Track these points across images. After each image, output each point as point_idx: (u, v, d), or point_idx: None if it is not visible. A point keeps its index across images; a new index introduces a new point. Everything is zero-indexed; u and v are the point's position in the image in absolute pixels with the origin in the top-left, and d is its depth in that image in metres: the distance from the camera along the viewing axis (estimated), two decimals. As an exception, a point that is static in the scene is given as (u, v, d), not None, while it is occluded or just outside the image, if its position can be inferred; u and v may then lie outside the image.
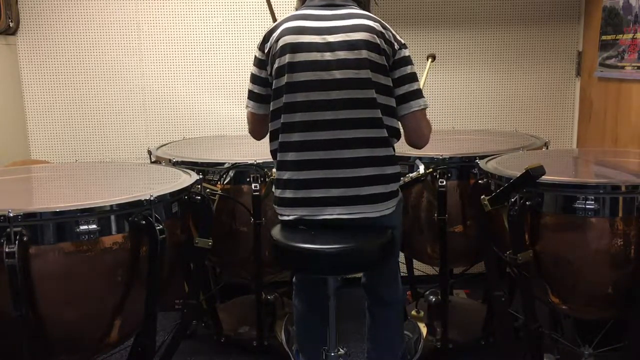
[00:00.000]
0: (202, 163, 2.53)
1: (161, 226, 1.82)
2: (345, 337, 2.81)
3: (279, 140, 1.99)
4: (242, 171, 2.49)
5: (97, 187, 2.25)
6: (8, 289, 1.61)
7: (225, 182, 2.50)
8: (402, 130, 2.04)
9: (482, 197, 2.04)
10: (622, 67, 2.84)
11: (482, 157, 2.35)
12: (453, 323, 2.69)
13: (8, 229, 1.62)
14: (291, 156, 1.97)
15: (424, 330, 2.75)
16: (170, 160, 2.53)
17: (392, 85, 1.96)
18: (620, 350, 2.03)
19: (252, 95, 2.07)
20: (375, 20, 1.95)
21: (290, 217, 2.00)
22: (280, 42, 1.93)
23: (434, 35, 3.33)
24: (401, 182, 2.14)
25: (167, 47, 3.26)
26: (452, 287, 3.09)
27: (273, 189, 2.08)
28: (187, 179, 2.13)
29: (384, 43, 1.92)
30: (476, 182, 2.20)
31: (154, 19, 3.24)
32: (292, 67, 1.92)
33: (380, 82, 1.93)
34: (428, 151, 2.29)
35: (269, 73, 2.00)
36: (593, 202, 1.84)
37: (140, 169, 2.50)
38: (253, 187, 2.44)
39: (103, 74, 3.26)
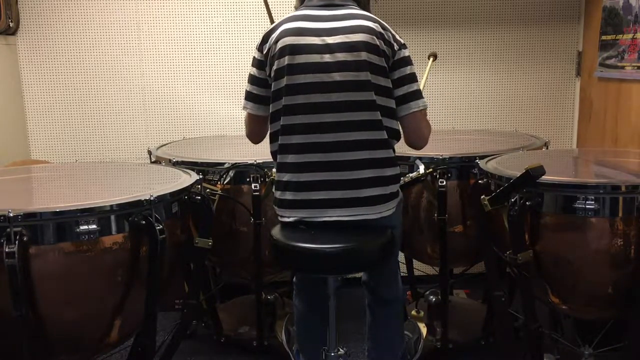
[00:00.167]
0: (202, 163, 2.53)
1: (161, 226, 1.82)
2: (345, 337, 2.80)
3: (279, 142, 1.99)
4: (242, 171, 2.49)
5: (97, 187, 2.25)
6: (8, 289, 1.61)
7: (225, 182, 2.50)
8: (401, 131, 2.04)
9: (482, 197, 2.04)
10: (622, 67, 2.84)
11: (482, 157, 2.35)
12: (453, 323, 2.69)
13: (8, 229, 1.62)
14: (291, 158, 1.97)
15: (424, 330, 2.75)
16: (170, 160, 2.53)
17: (391, 86, 1.95)
18: (620, 350, 2.03)
19: (250, 96, 2.06)
20: (374, 21, 1.95)
21: (291, 219, 2.00)
22: (280, 44, 1.93)
23: (434, 35, 3.33)
24: (401, 182, 2.14)
25: (167, 47, 3.26)
26: (452, 287, 3.09)
27: (273, 190, 2.08)
28: (187, 179, 2.13)
29: (383, 44, 1.92)
30: (476, 182, 2.20)
31: (154, 19, 3.24)
32: (292, 69, 1.91)
33: (380, 83, 1.93)
34: (428, 151, 2.29)
35: (267, 74, 1.99)
36: (593, 202, 1.84)
37: (140, 169, 2.50)
38: (253, 187, 2.44)
39: (103, 74, 3.26)
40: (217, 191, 2.45)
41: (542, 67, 3.39)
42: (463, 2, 3.32)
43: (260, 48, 2.01)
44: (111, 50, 3.24)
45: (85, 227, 1.71)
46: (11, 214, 1.62)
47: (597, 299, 2.00)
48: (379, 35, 1.91)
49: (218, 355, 2.79)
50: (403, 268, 2.68)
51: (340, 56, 1.90)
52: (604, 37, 3.01)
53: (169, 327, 2.31)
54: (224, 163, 2.51)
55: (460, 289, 3.24)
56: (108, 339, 1.88)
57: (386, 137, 1.96)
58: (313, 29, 1.93)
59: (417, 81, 1.99)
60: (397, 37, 1.97)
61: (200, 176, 2.21)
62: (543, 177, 1.87)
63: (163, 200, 1.89)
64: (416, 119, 1.99)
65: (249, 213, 2.47)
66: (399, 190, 2.07)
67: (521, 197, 1.92)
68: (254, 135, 2.14)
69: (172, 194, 1.94)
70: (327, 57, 1.91)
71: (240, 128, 2.14)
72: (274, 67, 1.95)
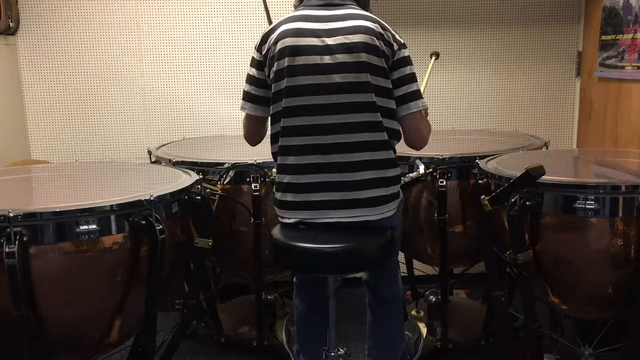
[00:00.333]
0: (202, 163, 2.53)
1: (161, 226, 1.82)
2: (345, 337, 2.81)
3: (279, 143, 1.99)
4: (242, 171, 2.49)
5: (97, 187, 2.24)
6: (8, 289, 1.61)
7: (225, 182, 2.50)
8: (401, 131, 2.04)
9: (482, 197, 2.04)
10: (622, 67, 2.84)
11: (482, 157, 2.35)
12: (453, 323, 2.69)
13: (8, 229, 1.62)
14: (291, 160, 1.97)
15: (424, 330, 2.75)
16: (170, 160, 2.53)
17: (391, 87, 1.95)
18: (620, 350, 2.03)
19: (248, 96, 2.06)
20: (374, 21, 1.94)
21: (292, 220, 2.00)
22: (279, 45, 1.92)
23: (434, 35, 3.33)
24: (401, 182, 2.14)
25: (167, 47, 3.26)
26: (452, 287, 3.09)
27: (274, 191, 2.08)
28: (187, 179, 2.13)
29: (383, 44, 1.91)
30: (476, 182, 2.20)
31: (154, 19, 3.24)
32: (292, 70, 1.91)
33: (380, 84, 1.93)
34: (428, 151, 2.29)
35: (266, 75, 1.99)
36: (593, 202, 1.84)
37: (140, 169, 2.50)
38: (253, 187, 2.44)
39: (103, 74, 3.26)
40: (217, 191, 2.46)
41: (542, 67, 3.39)
42: (463, 2, 3.32)
43: (259, 48, 2.00)
44: (111, 50, 3.24)
45: (85, 227, 1.71)
46: (11, 214, 1.62)
47: (597, 299, 2.00)
48: (379, 36, 1.91)
49: (218, 355, 2.79)
50: (403, 268, 2.68)
51: (340, 57, 1.89)
52: (604, 37, 3.01)
53: (169, 327, 2.31)
54: (224, 163, 2.51)
55: (460, 289, 3.24)
56: (108, 339, 1.88)
57: (386, 138, 1.96)
58: (313, 29, 1.92)
59: (416, 81, 1.99)
60: (397, 36, 1.96)
61: (200, 176, 2.21)
62: (543, 177, 1.87)
63: (163, 200, 1.89)
64: (416, 119, 1.99)
65: (249, 213, 2.47)
66: (400, 191, 2.07)
67: (521, 197, 1.92)
68: (252, 137, 2.14)
69: (172, 194, 1.94)
70: (327, 59, 1.90)
71: (241, 128, 2.14)
72: (274, 69, 1.94)
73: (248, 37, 3.22)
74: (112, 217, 1.77)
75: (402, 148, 2.13)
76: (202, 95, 3.32)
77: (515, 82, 3.41)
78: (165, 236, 1.82)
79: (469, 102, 3.41)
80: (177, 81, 3.30)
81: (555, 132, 3.43)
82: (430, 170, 2.43)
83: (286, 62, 1.91)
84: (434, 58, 2.88)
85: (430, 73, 2.76)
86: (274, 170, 2.11)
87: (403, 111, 1.97)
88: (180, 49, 3.27)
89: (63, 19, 3.19)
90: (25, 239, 1.63)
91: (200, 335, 2.93)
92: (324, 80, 1.90)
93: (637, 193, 1.83)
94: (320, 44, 1.91)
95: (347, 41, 1.89)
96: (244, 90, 2.07)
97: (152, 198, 1.82)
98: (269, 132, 2.05)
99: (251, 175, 2.47)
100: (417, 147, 2.07)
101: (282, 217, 2.04)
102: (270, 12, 2.60)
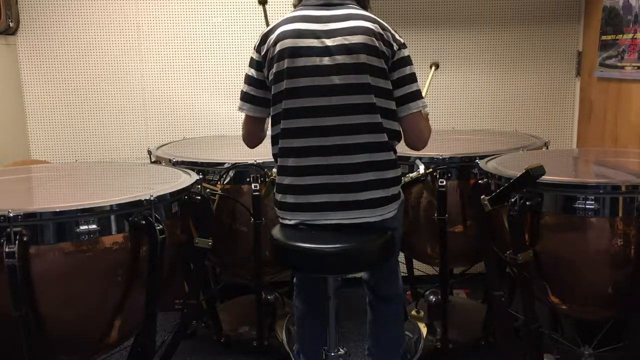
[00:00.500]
0: (202, 163, 2.53)
1: (161, 226, 1.82)
2: (345, 337, 2.81)
3: (279, 145, 1.99)
4: (242, 171, 2.49)
5: (97, 187, 2.24)
6: (8, 289, 1.61)
7: (225, 182, 2.50)
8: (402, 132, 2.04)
9: (482, 197, 2.04)
10: (622, 67, 2.84)
11: (482, 157, 2.35)
12: (453, 323, 2.69)
13: (8, 229, 1.62)
14: (292, 162, 1.97)
15: (424, 330, 2.75)
16: (170, 160, 2.53)
17: (391, 87, 1.94)
18: (620, 350, 2.03)
19: (246, 97, 2.05)
20: (373, 21, 1.93)
21: (292, 222, 2.00)
22: (279, 47, 1.92)
23: (434, 35, 3.33)
24: (401, 183, 2.14)
25: (167, 47, 3.26)
26: (452, 287, 3.09)
27: (274, 192, 2.07)
28: (187, 179, 2.12)
29: (382, 45, 1.90)
30: (476, 182, 2.20)
31: (154, 19, 3.24)
32: (291, 72, 1.91)
33: (380, 85, 1.92)
34: (428, 151, 2.28)
35: (265, 76, 1.99)
36: (593, 202, 1.84)
37: (140, 169, 2.50)
38: (253, 187, 2.44)
39: (103, 74, 3.26)
40: (217, 191, 2.45)
41: (542, 67, 3.39)
42: (463, 2, 3.32)
43: (258, 49, 2.00)
44: (111, 50, 3.24)
45: (85, 227, 1.71)
46: (11, 214, 1.62)
47: (597, 299, 2.00)
48: (378, 36, 1.90)
49: (218, 355, 2.79)
50: (403, 268, 2.68)
51: (340, 59, 1.89)
52: (604, 37, 3.01)
53: (169, 327, 2.31)
54: (224, 163, 2.51)
55: (460, 289, 3.25)
56: (108, 339, 1.88)
57: (387, 139, 1.95)
58: (312, 30, 1.92)
59: (416, 81, 1.99)
60: (397, 36, 1.96)
61: (200, 176, 2.21)
62: (543, 177, 1.87)
63: (163, 200, 1.89)
64: (415, 120, 1.99)
65: (249, 213, 2.47)
66: (401, 192, 2.07)
67: (521, 197, 1.92)
68: (251, 138, 2.14)
69: (172, 194, 1.94)
70: (326, 60, 1.90)
71: (240, 128, 2.14)
72: (273, 70, 1.94)
73: (248, 37, 3.22)
74: (112, 217, 1.77)
75: (402, 148, 2.13)
76: (202, 95, 3.32)
77: (515, 82, 3.41)
78: (165, 236, 1.81)
79: (468, 102, 3.41)
80: (177, 81, 3.30)
81: (555, 132, 3.43)
82: (430, 170, 2.43)
83: (286, 63, 1.91)
84: (433, 68, 2.86)
85: (430, 83, 2.74)
86: (274, 170, 2.11)
87: (403, 111, 1.97)
88: (180, 49, 3.27)
89: (63, 19, 3.20)
90: (25, 239, 1.63)
91: (200, 335, 2.93)
92: (324, 82, 1.90)
93: (637, 193, 1.83)
94: (319, 45, 1.90)
95: (347, 42, 1.89)
96: (242, 91, 2.06)
97: (152, 198, 1.82)
98: (269, 133, 2.05)
99: (251, 175, 2.47)
100: (417, 148, 2.07)
101: (282, 219, 2.04)
102: (268, 15, 2.57)
